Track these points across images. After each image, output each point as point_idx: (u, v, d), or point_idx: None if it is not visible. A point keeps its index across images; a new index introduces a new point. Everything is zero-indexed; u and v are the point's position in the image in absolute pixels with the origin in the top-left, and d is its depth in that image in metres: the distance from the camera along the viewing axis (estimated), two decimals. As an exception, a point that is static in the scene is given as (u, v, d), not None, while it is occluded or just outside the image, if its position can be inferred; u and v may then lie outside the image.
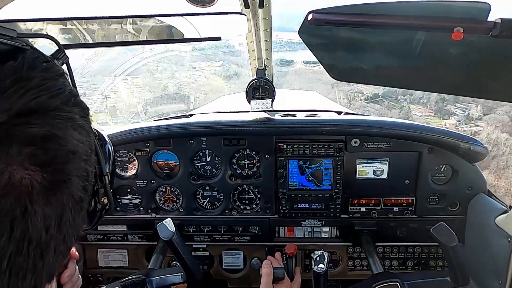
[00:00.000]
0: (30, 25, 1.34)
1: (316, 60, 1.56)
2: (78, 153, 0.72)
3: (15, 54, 0.77)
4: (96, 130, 1.04)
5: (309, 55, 1.44)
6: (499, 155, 11.39)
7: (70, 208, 0.70)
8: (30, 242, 0.63)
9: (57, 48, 0.95)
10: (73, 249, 1.88)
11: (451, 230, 1.91)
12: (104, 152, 1.04)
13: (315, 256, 2.06)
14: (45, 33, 1.06)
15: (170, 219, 2.21)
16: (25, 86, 0.68)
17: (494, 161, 11.03)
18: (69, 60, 0.96)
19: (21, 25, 1.26)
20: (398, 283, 1.99)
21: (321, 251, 2.07)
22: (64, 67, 0.95)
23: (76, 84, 0.93)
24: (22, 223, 0.61)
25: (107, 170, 1.01)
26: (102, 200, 1.00)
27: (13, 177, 0.61)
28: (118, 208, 2.73)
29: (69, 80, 0.88)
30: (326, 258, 2.04)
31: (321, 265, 2.02)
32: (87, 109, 0.83)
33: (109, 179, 1.03)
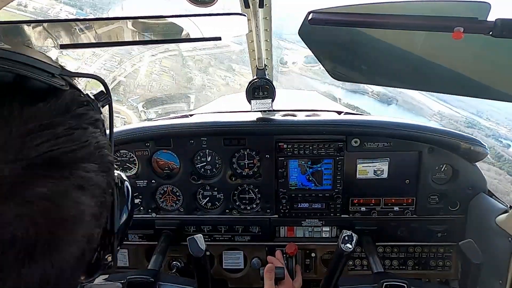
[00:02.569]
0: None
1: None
2: (81, 218, 0.67)
3: (51, 93, 0.70)
4: (120, 179, 0.96)
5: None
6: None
7: (64, 269, 0.65)
8: None
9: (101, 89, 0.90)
10: None
11: (478, 248, 1.92)
12: (121, 204, 0.94)
13: (344, 235, 2.04)
14: (91, 72, 0.97)
15: (201, 235, 2.15)
16: (46, 135, 0.62)
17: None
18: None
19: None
20: (406, 286, 1.98)
21: (350, 231, 2.06)
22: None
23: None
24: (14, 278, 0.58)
25: (116, 229, 0.91)
26: (106, 257, 0.90)
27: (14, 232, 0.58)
28: None
29: (107, 124, 0.84)
30: (354, 239, 2.03)
31: (348, 245, 2.01)
32: (111, 162, 0.78)
33: (120, 235, 0.93)
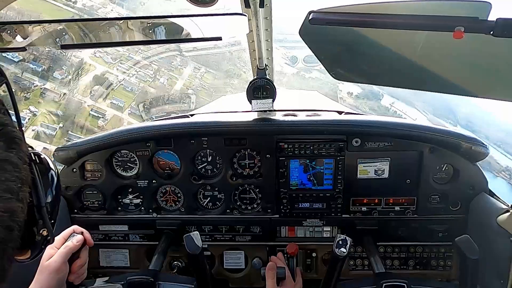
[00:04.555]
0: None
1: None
2: None
3: None
4: (37, 155, 0.99)
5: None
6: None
7: None
8: None
9: None
10: (88, 236, 1.88)
11: (475, 244, 1.91)
12: (45, 181, 0.98)
13: (338, 240, 2.04)
14: None
15: (197, 232, 2.16)
16: None
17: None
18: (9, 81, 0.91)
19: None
20: (405, 285, 1.98)
21: (344, 235, 2.06)
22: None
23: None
24: None
25: (46, 201, 0.95)
26: (41, 232, 0.94)
27: None
28: (119, 208, 2.73)
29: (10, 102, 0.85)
30: (348, 243, 2.03)
31: (342, 249, 2.02)
32: (18, 138, 0.78)
33: (49, 209, 0.97)
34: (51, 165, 1.06)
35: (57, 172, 1.07)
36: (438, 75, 1.50)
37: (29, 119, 22.77)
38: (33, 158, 0.95)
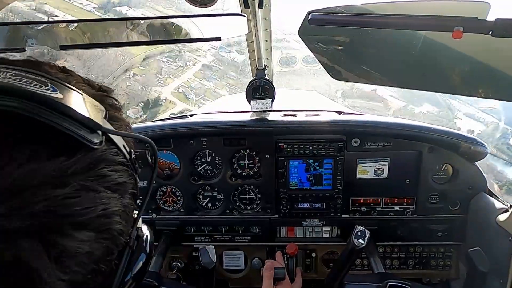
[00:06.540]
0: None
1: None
2: None
3: (81, 148, 0.62)
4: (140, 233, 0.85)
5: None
6: None
7: None
8: None
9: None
10: None
11: (486, 257, 1.94)
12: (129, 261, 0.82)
13: (356, 230, 2.05)
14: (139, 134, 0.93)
15: (213, 247, 2.15)
16: (47, 194, 0.54)
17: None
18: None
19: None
20: (409, 287, 1.98)
21: (363, 227, 2.07)
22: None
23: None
24: None
25: None
26: None
27: None
28: None
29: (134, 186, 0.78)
30: (367, 236, 2.04)
31: (361, 240, 2.02)
32: (118, 231, 0.70)
33: None
34: (148, 239, 0.91)
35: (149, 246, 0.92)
36: (437, 75, 1.50)
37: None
38: (127, 240, 0.80)
